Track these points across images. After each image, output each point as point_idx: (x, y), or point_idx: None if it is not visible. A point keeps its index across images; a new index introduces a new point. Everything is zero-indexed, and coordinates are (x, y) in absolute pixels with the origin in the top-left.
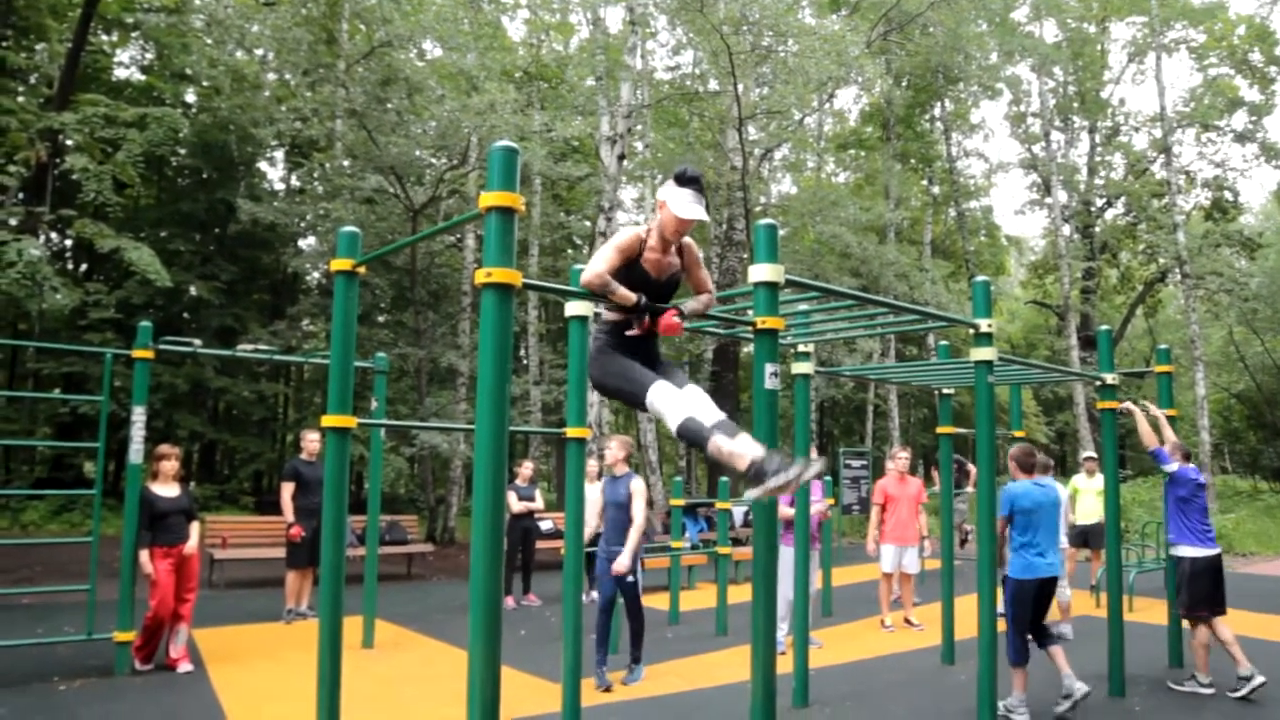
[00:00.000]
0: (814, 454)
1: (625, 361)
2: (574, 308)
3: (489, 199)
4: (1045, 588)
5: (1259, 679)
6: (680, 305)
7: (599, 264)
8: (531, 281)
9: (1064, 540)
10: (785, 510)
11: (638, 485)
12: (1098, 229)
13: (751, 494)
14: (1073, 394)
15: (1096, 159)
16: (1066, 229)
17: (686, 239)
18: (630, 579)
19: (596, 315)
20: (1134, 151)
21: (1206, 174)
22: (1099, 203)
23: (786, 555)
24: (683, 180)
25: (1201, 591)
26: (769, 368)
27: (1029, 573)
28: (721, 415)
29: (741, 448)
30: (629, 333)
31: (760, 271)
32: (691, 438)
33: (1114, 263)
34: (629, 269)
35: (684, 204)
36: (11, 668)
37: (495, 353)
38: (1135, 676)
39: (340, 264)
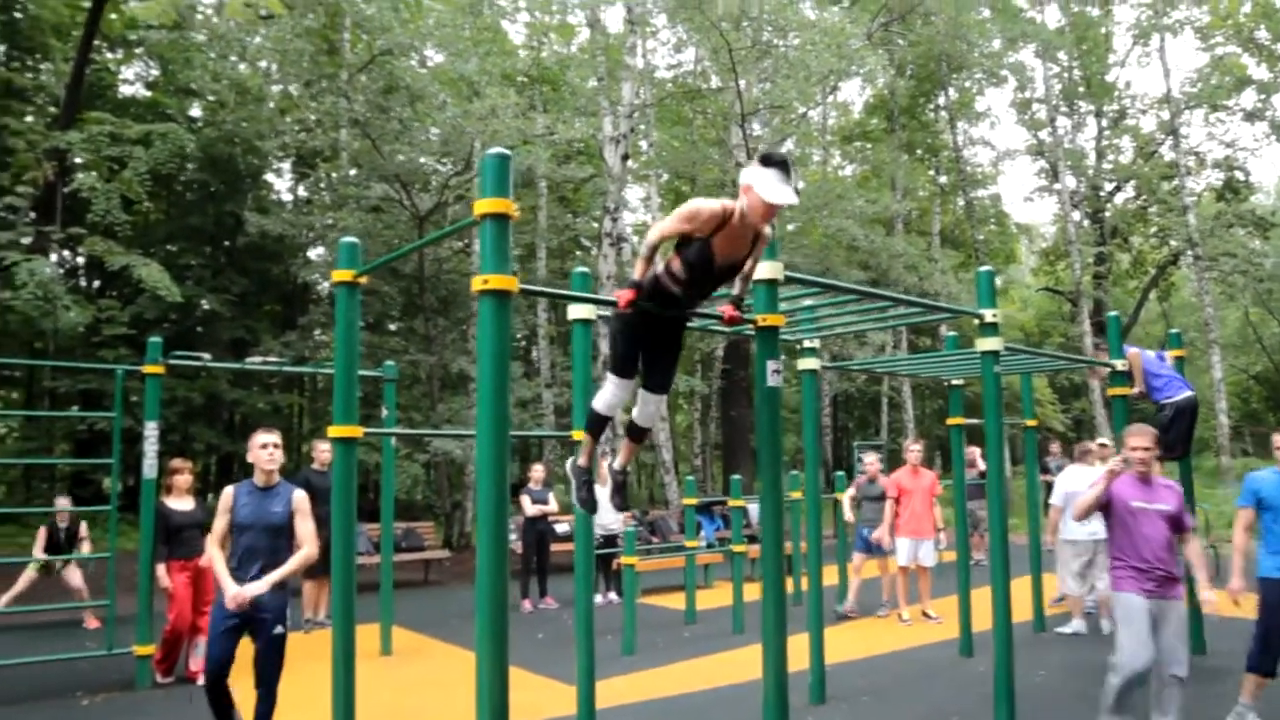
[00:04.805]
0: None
1: (634, 341)
2: (577, 311)
3: (483, 206)
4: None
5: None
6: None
7: (657, 229)
8: (528, 287)
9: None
10: (1084, 499)
11: (302, 500)
12: (1108, 213)
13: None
14: (1088, 380)
15: (1104, 143)
16: (1076, 214)
17: (766, 232)
18: (279, 629)
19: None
20: (1142, 134)
21: (1217, 154)
22: (1108, 187)
23: (1128, 603)
24: (768, 162)
25: None
26: (771, 365)
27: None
28: (648, 425)
29: (584, 450)
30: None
31: (759, 269)
32: (591, 422)
33: (1125, 247)
34: (697, 243)
35: (771, 187)
36: (36, 683)
37: (494, 359)
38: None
39: (341, 275)
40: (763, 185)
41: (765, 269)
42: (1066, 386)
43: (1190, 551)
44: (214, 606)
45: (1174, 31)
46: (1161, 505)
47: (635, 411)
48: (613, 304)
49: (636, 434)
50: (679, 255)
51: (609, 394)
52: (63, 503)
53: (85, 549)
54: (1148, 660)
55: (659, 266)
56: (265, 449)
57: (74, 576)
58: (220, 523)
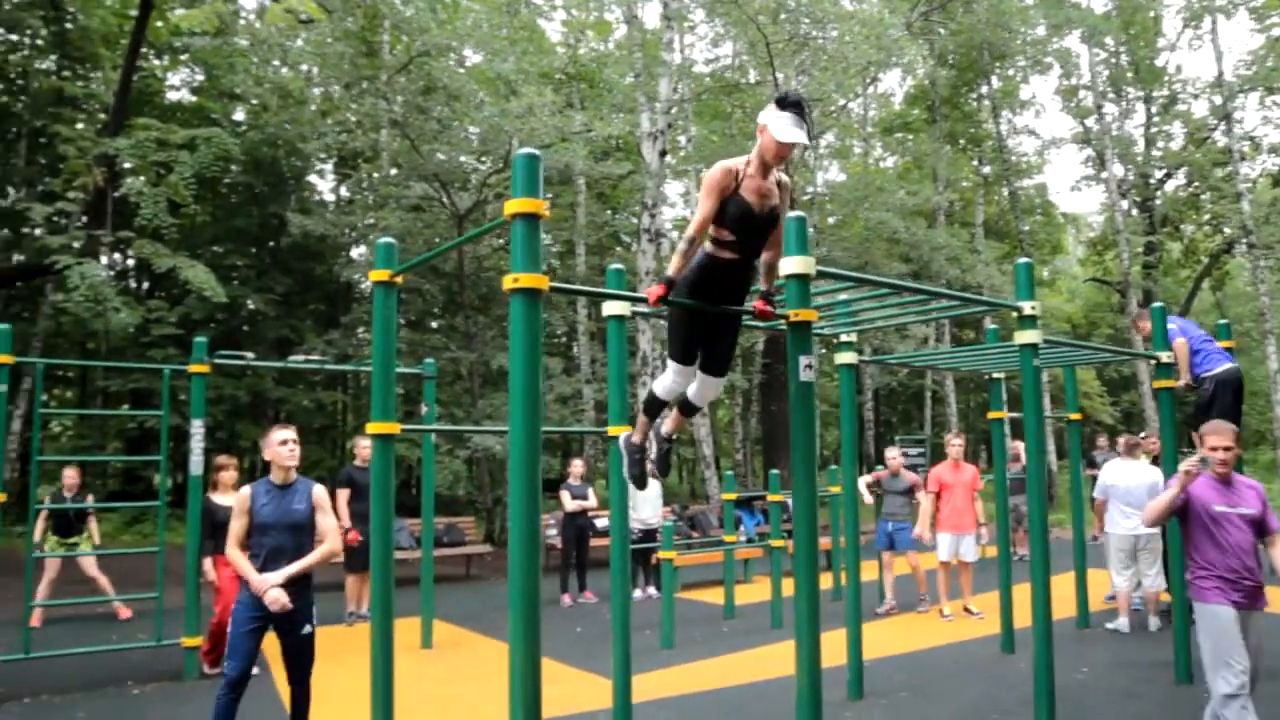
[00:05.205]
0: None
1: (691, 330)
2: (611, 307)
3: (513, 206)
4: None
5: None
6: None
7: (694, 221)
8: (559, 285)
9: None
10: (1158, 504)
11: (322, 494)
12: (1158, 201)
13: (637, 454)
14: (1136, 372)
15: (1154, 130)
16: (1124, 203)
17: (784, 179)
18: (308, 628)
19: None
20: (1193, 120)
21: (1273, 139)
22: (1158, 174)
23: (1216, 616)
24: (784, 104)
25: None
26: (803, 360)
27: None
28: (700, 404)
29: (639, 428)
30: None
31: (790, 264)
32: (648, 404)
33: (1176, 235)
34: (729, 201)
35: (784, 127)
36: (90, 673)
37: (526, 357)
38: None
39: (378, 275)
40: (776, 125)
41: (796, 263)
42: (1115, 379)
43: (1277, 555)
44: (237, 606)
45: (1227, 13)
46: (1245, 509)
47: (692, 389)
48: (644, 300)
49: (688, 409)
50: (718, 225)
51: (669, 379)
52: (70, 474)
53: (93, 527)
54: (1244, 672)
55: (707, 247)
56: (285, 445)
57: (89, 563)
58: (239, 524)
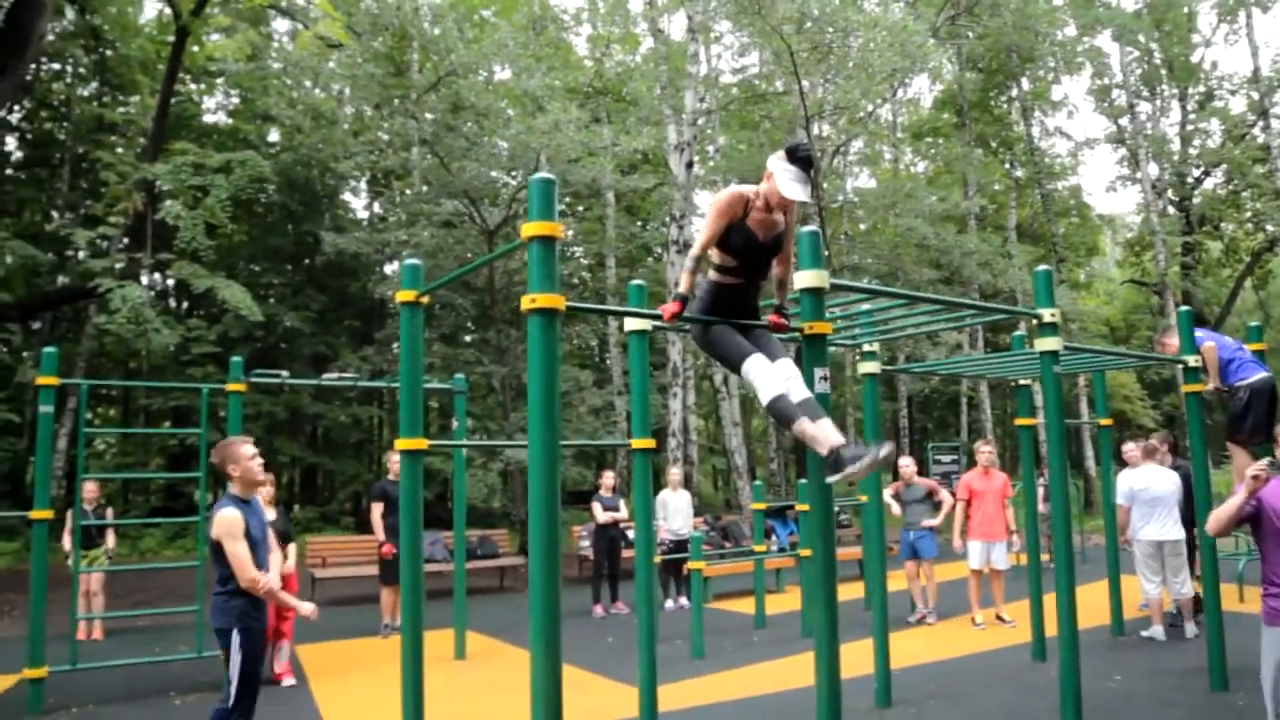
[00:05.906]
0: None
1: (726, 331)
2: (633, 322)
3: (530, 229)
4: None
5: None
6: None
7: (699, 240)
8: (576, 305)
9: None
10: (1224, 512)
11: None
12: (1196, 200)
13: (830, 479)
14: (1176, 375)
15: (1190, 127)
16: (1160, 203)
17: (795, 205)
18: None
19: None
20: (1230, 116)
21: None
22: (1195, 173)
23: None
24: (793, 157)
25: None
26: (818, 372)
27: None
28: (808, 394)
29: (823, 434)
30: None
31: (804, 278)
32: (779, 416)
33: (1216, 234)
34: (734, 229)
35: (787, 182)
36: (133, 683)
37: (544, 375)
38: (1243, 669)
39: (404, 295)
40: (782, 178)
41: (810, 277)
42: (1156, 381)
43: None
44: (247, 635)
45: (1263, 7)
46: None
47: (784, 378)
48: (659, 317)
49: (810, 408)
50: (721, 250)
51: (759, 378)
52: (90, 487)
53: (110, 540)
54: None
55: (712, 275)
56: (255, 459)
57: (97, 577)
58: (246, 548)
